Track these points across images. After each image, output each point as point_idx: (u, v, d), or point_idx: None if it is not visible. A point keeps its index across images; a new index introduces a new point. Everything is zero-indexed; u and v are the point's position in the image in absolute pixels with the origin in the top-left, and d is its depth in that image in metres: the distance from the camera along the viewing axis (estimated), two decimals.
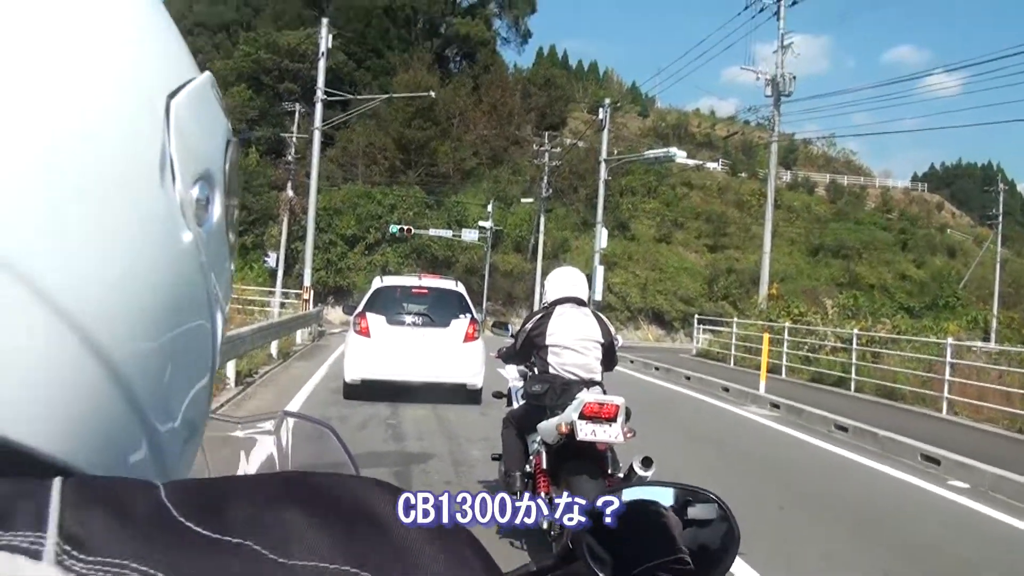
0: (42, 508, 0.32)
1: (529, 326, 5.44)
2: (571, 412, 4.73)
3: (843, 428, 11.32)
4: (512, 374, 6.11)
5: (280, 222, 40.37)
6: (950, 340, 14.28)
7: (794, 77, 28.55)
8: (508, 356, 5.79)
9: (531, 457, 5.37)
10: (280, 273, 37.52)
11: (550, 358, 5.24)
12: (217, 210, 0.47)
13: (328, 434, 0.86)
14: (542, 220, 43.57)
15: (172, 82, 0.43)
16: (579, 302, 5.45)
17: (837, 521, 6.82)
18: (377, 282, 12.76)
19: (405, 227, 39.95)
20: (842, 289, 40.21)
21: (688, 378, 17.92)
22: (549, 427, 4.94)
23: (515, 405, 5.79)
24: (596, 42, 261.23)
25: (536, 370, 5.40)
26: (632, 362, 21.76)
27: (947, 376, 13.41)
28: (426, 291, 12.41)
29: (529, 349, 5.43)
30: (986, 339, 27.94)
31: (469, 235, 42.68)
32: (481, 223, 43.60)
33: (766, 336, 16.35)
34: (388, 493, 0.38)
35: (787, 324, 20.11)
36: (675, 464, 8.46)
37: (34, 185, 0.34)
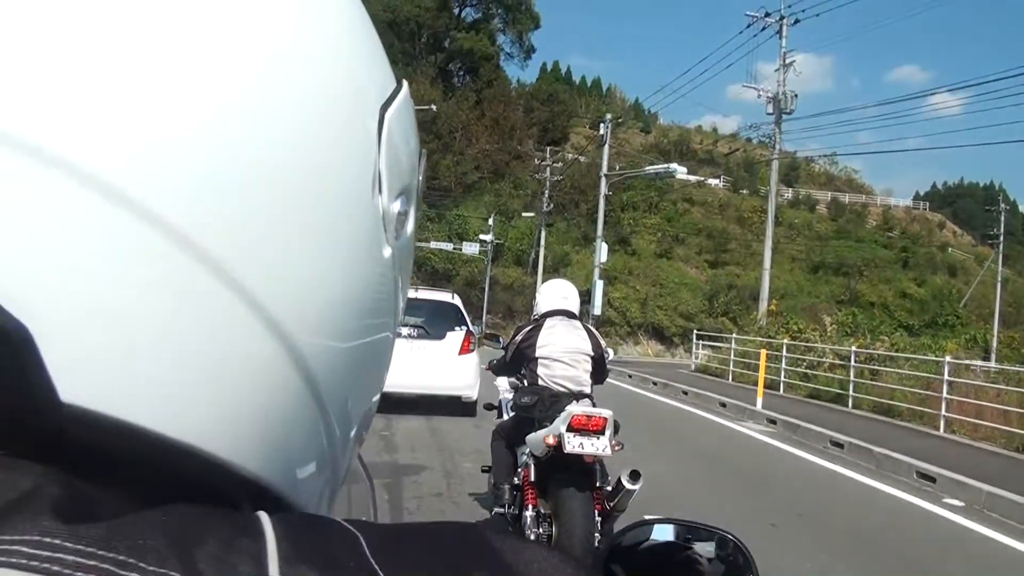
0: (261, 562, 0.31)
1: (519, 338, 5.41)
2: (559, 424, 4.70)
3: (839, 444, 11.28)
4: (503, 386, 6.06)
5: None
6: (947, 358, 14.25)
7: (795, 95, 28.64)
8: (498, 368, 5.78)
9: (520, 470, 5.31)
10: None
11: (540, 370, 5.21)
12: (411, 224, 0.47)
13: (363, 486, 0.86)
14: (543, 234, 43.61)
15: (384, 93, 0.42)
16: (570, 315, 5.43)
17: (831, 538, 6.79)
18: None
19: None
20: (842, 306, 40.27)
21: (686, 393, 17.85)
22: (537, 439, 4.89)
23: (505, 417, 5.75)
24: (599, 58, 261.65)
25: (526, 382, 5.35)
26: (630, 376, 21.77)
27: (944, 394, 13.36)
28: (422, 303, 12.29)
29: (519, 361, 5.39)
30: (986, 358, 27.92)
31: (470, 248, 42.75)
32: (482, 236, 43.67)
33: (763, 352, 16.33)
34: (567, 566, 0.37)
35: (786, 341, 20.08)
36: (668, 479, 8.43)
37: (256, 192, 0.33)
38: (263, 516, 0.34)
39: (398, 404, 11.39)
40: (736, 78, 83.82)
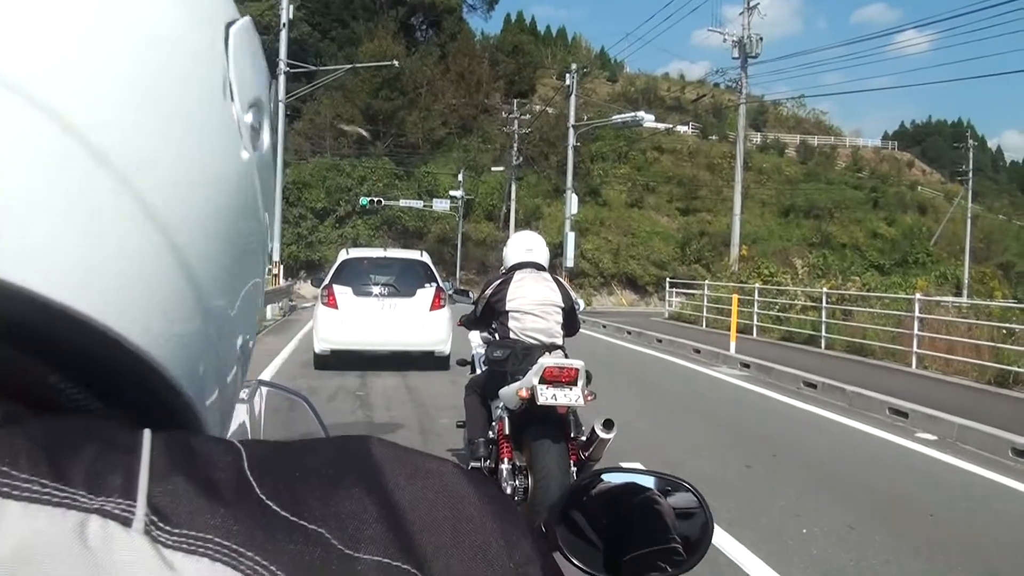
0: (131, 471, 0.32)
1: (488, 292, 5.40)
2: (531, 377, 4.70)
3: (812, 385, 11.38)
4: (476, 341, 6.03)
5: None
6: (918, 295, 14.35)
7: (760, 39, 28.54)
8: (469, 322, 5.78)
9: (494, 423, 5.29)
10: None
11: (511, 323, 5.22)
12: (266, 139, 0.49)
13: (302, 404, 0.88)
14: (513, 188, 43.51)
15: (229, 16, 0.45)
16: (538, 267, 5.42)
17: (805, 477, 6.84)
18: (343, 254, 12.95)
19: (375, 199, 39.81)
20: (814, 249, 40.43)
21: (660, 341, 17.94)
22: (510, 392, 4.90)
23: (478, 372, 5.75)
24: (564, 6, 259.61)
25: (498, 336, 5.34)
26: (604, 327, 21.85)
27: (916, 331, 13.48)
28: (392, 262, 12.69)
29: (490, 315, 5.40)
30: (958, 294, 28.18)
31: (440, 205, 42.57)
32: (452, 193, 43.50)
33: (735, 297, 16.40)
34: (460, 480, 0.39)
35: (757, 285, 20.18)
36: (643, 427, 8.46)
37: (125, 86, 0.36)
38: (145, 432, 0.35)
39: (374, 361, 11.50)
40: (702, 23, 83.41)
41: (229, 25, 0.45)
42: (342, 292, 11.83)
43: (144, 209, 0.37)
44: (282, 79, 24.17)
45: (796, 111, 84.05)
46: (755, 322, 18.81)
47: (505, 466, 5.03)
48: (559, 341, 5.27)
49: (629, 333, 20.09)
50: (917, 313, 13.57)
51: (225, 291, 0.45)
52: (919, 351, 13.43)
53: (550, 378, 4.65)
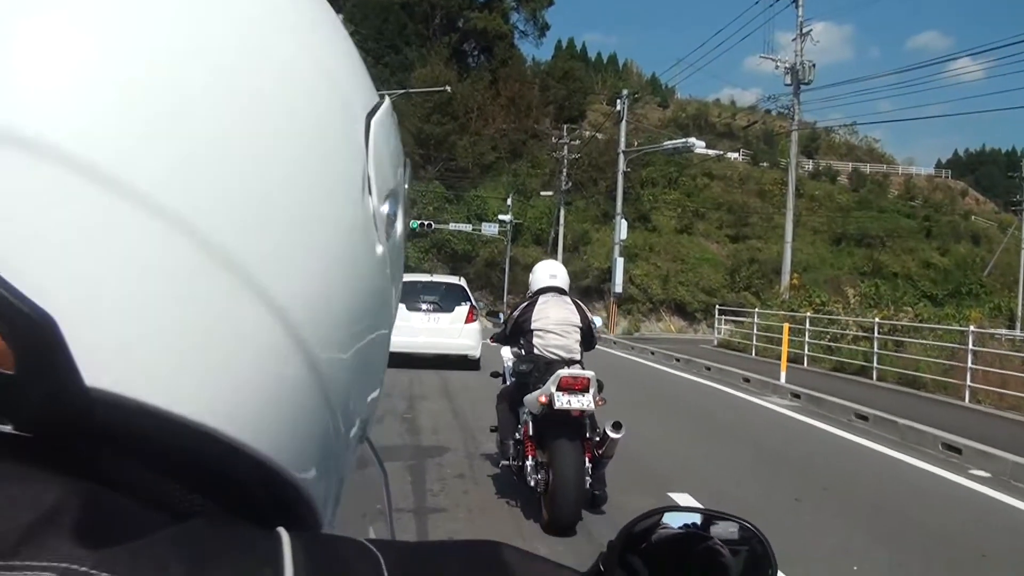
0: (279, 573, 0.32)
1: (516, 313, 6.30)
2: (550, 385, 5.51)
3: (863, 417, 11.23)
4: (507, 355, 6.84)
5: None
6: (972, 328, 14.13)
7: (813, 65, 28.42)
8: (499, 339, 6.73)
9: (520, 427, 6.13)
10: None
11: (535, 341, 6.08)
12: (400, 226, 0.49)
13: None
14: (562, 213, 43.49)
15: (369, 104, 0.45)
16: (560, 291, 6.29)
17: (855, 512, 6.75)
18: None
19: (425, 222, 40.04)
20: (865, 278, 39.86)
21: (708, 369, 17.80)
22: (533, 399, 5.74)
23: (508, 383, 6.63)
24: (615, 34, 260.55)
25: (524, 351, 6.20)
26: (653, 353, 21.74)
27: (969, 364, 13.27)
28: (436, 285, 16.34)
29: (517, 334, 6.26)
30: (1011, 326, 27.65)
31: (489, 229, 42.63)
32: (501, 217, 43.53)
33: (786, 326, 16.25)
34: None
35: (808, 314, 19.97)
36: (691, 456, 8.43)
37: (257, 185, 0.36)
38: (282, 533, 0.35)
39: (420, 385, 11.77)
40: (753, 50, 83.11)
41: (370, 115, 0.44)
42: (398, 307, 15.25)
43: (283, 322, 0.37)
44: None
45: (848, 138, 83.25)
46: (806, 351, 18.62)
47: (529, 462, 5.91)
48: (577, 356, 6.09)
49: (678, 360, 19.95)
50: (971, 346, 13.36)
51: (350, 386, 0.44)
52: (972, 385, 13.21)
53: (565, 386, 5.47)
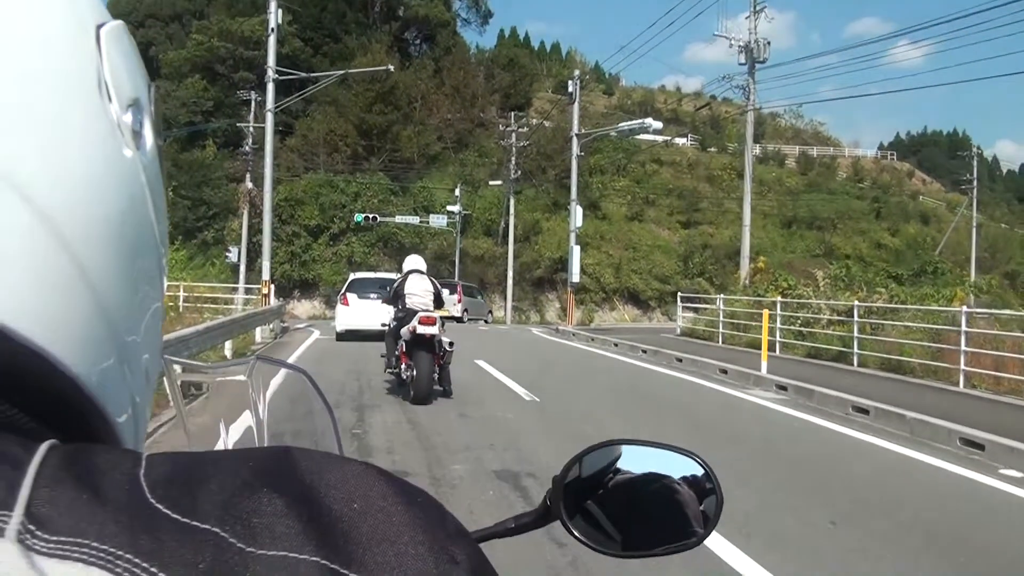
0: (15, 483, 0.33)
1: (396, 285, 10.88)
2: (414, 321, 9.91)
3: (863, 410, 10.15)
4: (390, 311, 11.12)
5: (240, 215, 38.92)
6: (964, 308, 13.21)
7: (768, 43, 27.62)
8: (387, 301, 11.18)
9: (397, 348, 10.55)
10: (243, 268, 36.12)
11: (407, 301, 10.45)
12: (149, 139, 0.49)
13: (303, 379, 0.87)
14: (511, 203, 42.36)
15: (98, 17, 0.46)
16: (420, 272, 10.75)
17: (872, 519, 5.60)
18: (352, 276, 22.98)
19: (370, 215, 38.84)
20: (817, 261, 39.28)
21: (680, 360, 16.56)
22: (406, 331, 10.06)
23: (391, 325, 10.88)
24: (557, 22, 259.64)
25: (400, 306, 10.58)
26: (616, 345, 20.58)
27: (963, 346, 12.33)
28: (385, 281, 18.56)
29: (396, 298, 10.71)
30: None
31: (437, 221, 41.48)
32: (449, 208, 42.46)
33: (766, 313, 15.20)
34: (375, 477, 0.40)
35: (777, 299, 18.99)
36: None
37: (7, 95, 0.38)
38: (42, 445, 0.35)
39: (371, 394, 10.44)
40: (697, 37, 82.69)
41: (100, 27, 0.45)
42: (352, 297, 20.62)
43: (31, 206, 0.37)
44: (271, 87, 22.93)
45: (794, 122, 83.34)
46: (778, 338, 17.63)
47: (403, 367, 10.28)
48: (431, 308, 10.35)
49: (644, 352, 18.78)
50: (964, 327, 12.42)
51: (120, 292, 0.45)
52: (967, 368, 12.29)
53: (423, 322, 9.87)
